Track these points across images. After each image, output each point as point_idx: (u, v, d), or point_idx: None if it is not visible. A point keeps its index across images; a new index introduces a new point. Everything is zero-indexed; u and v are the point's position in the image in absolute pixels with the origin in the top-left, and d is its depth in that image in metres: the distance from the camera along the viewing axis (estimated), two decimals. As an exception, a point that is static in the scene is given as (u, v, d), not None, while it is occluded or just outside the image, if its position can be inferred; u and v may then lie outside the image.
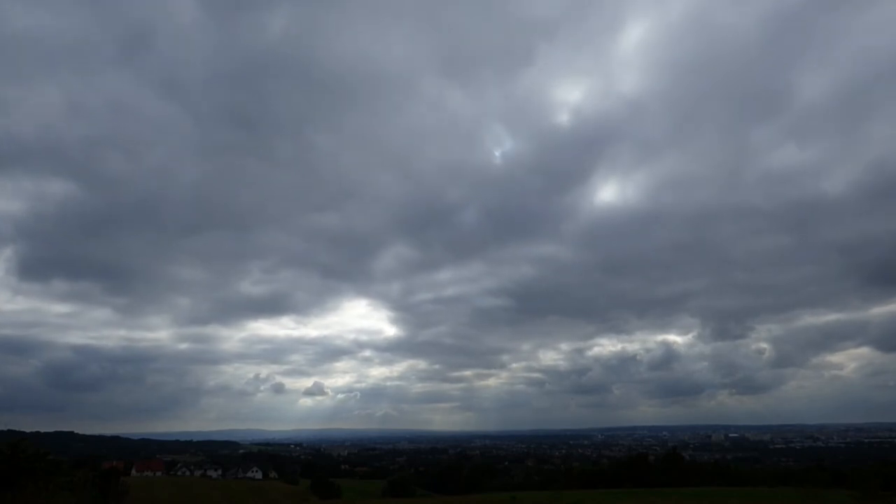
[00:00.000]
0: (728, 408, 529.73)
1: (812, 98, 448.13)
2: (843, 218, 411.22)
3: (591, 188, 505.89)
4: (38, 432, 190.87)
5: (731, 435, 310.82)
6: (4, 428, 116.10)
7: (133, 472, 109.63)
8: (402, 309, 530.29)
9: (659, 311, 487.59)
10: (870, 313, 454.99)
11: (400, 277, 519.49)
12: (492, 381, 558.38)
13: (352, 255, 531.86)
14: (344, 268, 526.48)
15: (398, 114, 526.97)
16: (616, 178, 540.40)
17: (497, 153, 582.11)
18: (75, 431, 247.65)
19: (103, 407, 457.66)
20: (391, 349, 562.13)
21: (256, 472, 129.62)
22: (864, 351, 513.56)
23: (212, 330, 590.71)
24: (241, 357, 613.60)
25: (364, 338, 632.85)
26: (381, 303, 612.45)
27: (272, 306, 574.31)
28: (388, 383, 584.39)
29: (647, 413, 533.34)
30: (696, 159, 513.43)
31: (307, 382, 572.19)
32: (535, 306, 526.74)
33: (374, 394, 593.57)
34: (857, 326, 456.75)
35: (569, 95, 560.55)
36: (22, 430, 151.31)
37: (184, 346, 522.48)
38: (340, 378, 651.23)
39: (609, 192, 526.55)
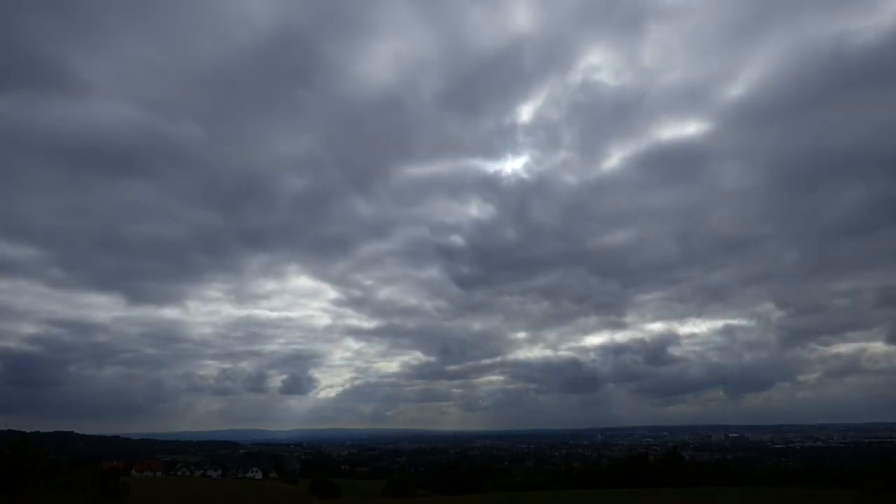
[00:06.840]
0: (728, 408, 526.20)
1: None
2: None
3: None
4: (38, 432, 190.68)
5: (731, 435, 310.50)
6: (4, 428, 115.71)
7: (133, 472, 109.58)
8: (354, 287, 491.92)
9: (655, 289, 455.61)
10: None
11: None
12: (489, 379, 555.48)
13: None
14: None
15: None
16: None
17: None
18: (75, 431, 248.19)
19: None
20: (379, 344, 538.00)
21: (256, 472, 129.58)
22: (876, 346, 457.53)
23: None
24: (218, 349, 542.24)
25: (342, 323, 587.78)
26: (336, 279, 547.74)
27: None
28: (386, 381, 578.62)
29: (647, 413, 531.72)
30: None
31: (297, 379, 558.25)
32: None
33: (374, 393, 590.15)
34: (877, 315, 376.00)
35: None
36: (22, 430, 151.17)
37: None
38: (336, 377, 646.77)
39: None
